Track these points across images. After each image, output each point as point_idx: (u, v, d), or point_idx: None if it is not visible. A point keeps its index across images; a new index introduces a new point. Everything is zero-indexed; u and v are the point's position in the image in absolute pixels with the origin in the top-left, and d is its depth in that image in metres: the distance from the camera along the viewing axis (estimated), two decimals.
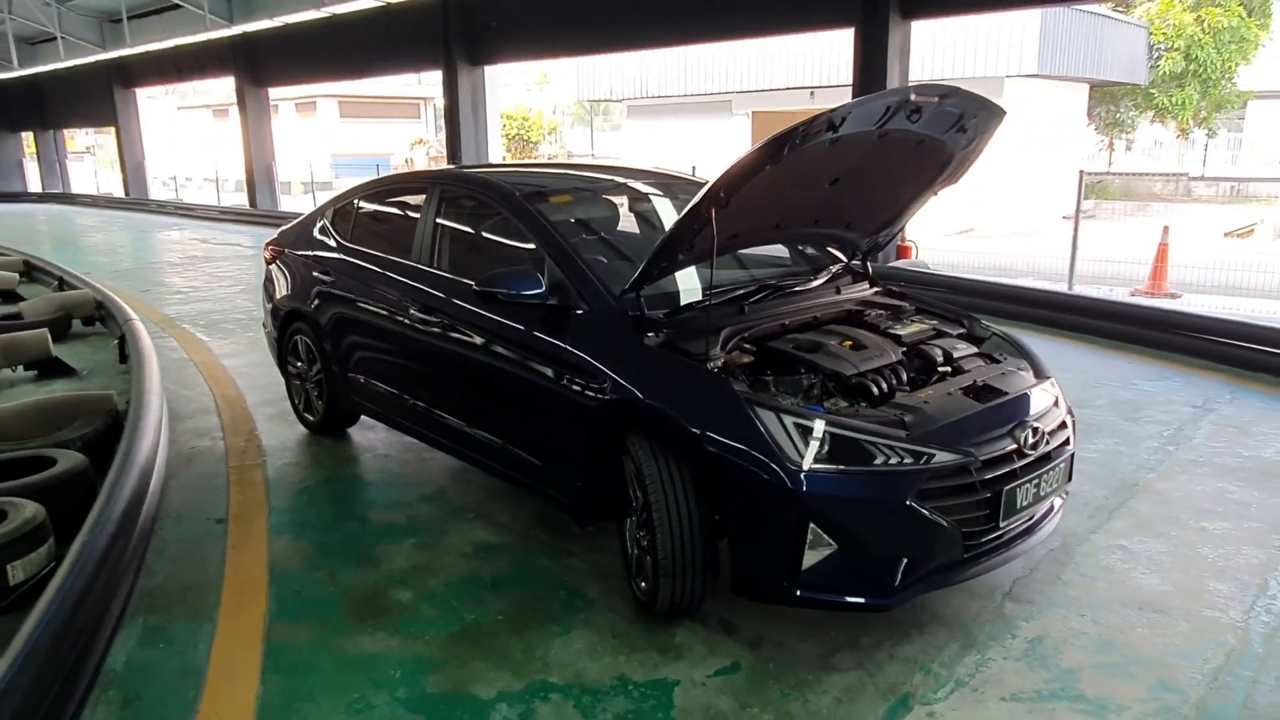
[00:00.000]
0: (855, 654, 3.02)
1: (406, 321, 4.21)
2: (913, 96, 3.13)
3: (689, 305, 3.47)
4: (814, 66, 18.95)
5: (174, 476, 4.61)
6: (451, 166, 4.12)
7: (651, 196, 4.48)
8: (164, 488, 4.32)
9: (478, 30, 14.95)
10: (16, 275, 10.38)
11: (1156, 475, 4.60)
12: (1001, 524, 2.98)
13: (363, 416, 5.12)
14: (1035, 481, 3.09)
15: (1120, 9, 23.40)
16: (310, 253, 5.06)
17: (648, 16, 12.48)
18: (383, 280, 4.43)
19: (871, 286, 4.23)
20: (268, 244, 5.60)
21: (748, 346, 3.33)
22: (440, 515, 4.16)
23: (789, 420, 2.85)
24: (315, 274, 4.94)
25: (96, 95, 26.11)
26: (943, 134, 3.53)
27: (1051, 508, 3.38)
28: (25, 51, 26.74)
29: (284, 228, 5.62)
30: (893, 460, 2.84)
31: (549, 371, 3.48)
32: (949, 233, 18.61)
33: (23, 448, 4.28)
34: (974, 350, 3.65)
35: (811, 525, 2.81)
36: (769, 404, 2.90)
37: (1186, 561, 3.68)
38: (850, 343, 3.39)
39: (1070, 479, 3.35)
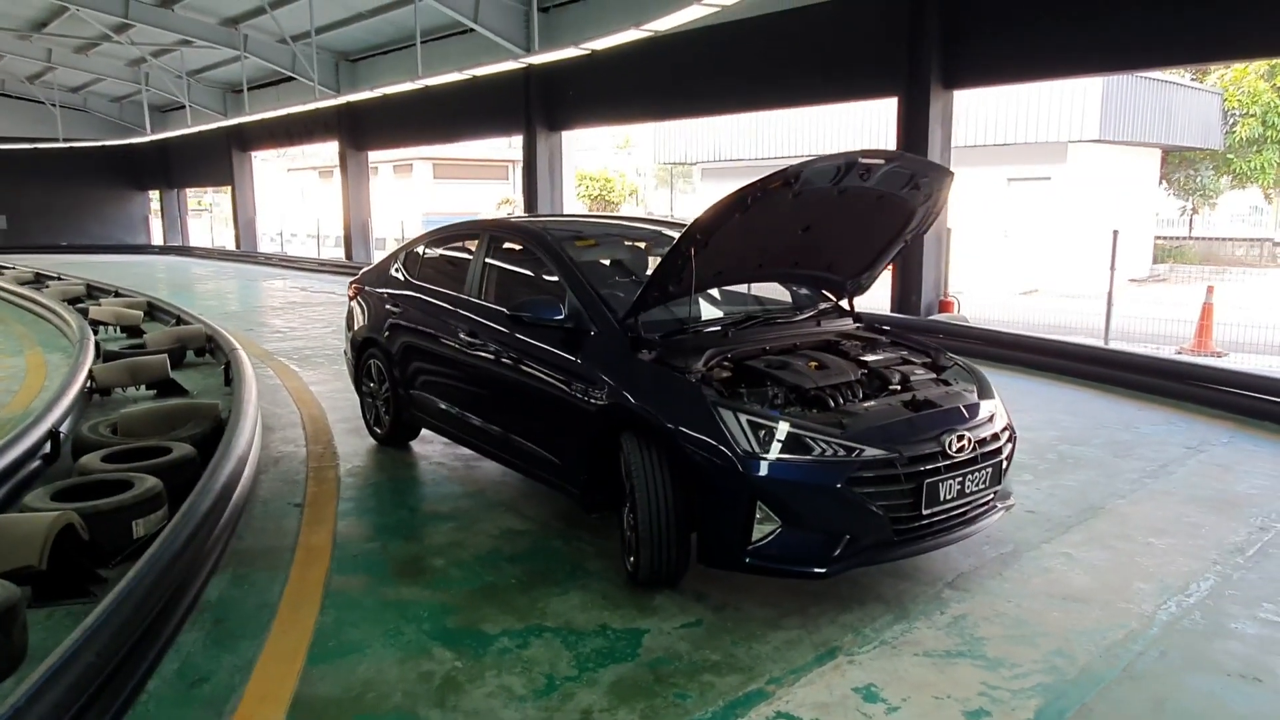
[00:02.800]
0: (801, 618, 3.61)
1: (457, 345, 5.03)
2: (860, 160, 3.82)
3: (679, 329, 4.17)
4: (866, 133, 19.63)
5: (264, 472, 5.48)
6: (503, 217, 4.92)
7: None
8: (255, 480, 5.19)
9: (555, 99, 16.20)
10: (141, 313, 11.75)
11: (1125, 501, 5.03)
12: (925, 512, 3.55)
13: (423, 431, 5.95)
14: (959, 479, 3.66)
15: (1196, 77, 23.45)
16: (384, 289, 5.96)
17: (710, 87, 13.44)
18: (440, 310, 5.28)
19: (855, 322, 4.84)
20: (351, 283, 6.55)
21: (726, 363, 4.00)
22: (477, 508, 4.91)
23: (744, 417, 3.51)
24: (387, 307, 5.83)
25: (216, 158, 28.60)
26: (899, 190, 4.19)
27: (990, 506, 3.92)
28: (156, 119, 29.55)
29: (365, 269, 6.57)
30: (828, 453, 3.47)
31: (565, 382, 4.22)
32: (1013, 292, 18.85)
33: (147, 441, 5.22)
34: (930, 375, 4.24)
35: (759, 504, 3.45)
36: (728, 405, 3.57)
37: (1122, 567, 4.13)
38: (815, 364, 4.03)
39: (1000, 482, 3.89)
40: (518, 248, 5.08)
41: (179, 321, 11.07)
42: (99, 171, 33.47)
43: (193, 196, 46.28)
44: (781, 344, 4.29)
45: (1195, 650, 3.38)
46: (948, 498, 3.63)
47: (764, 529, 3.47)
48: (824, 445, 3.47)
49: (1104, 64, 10.18)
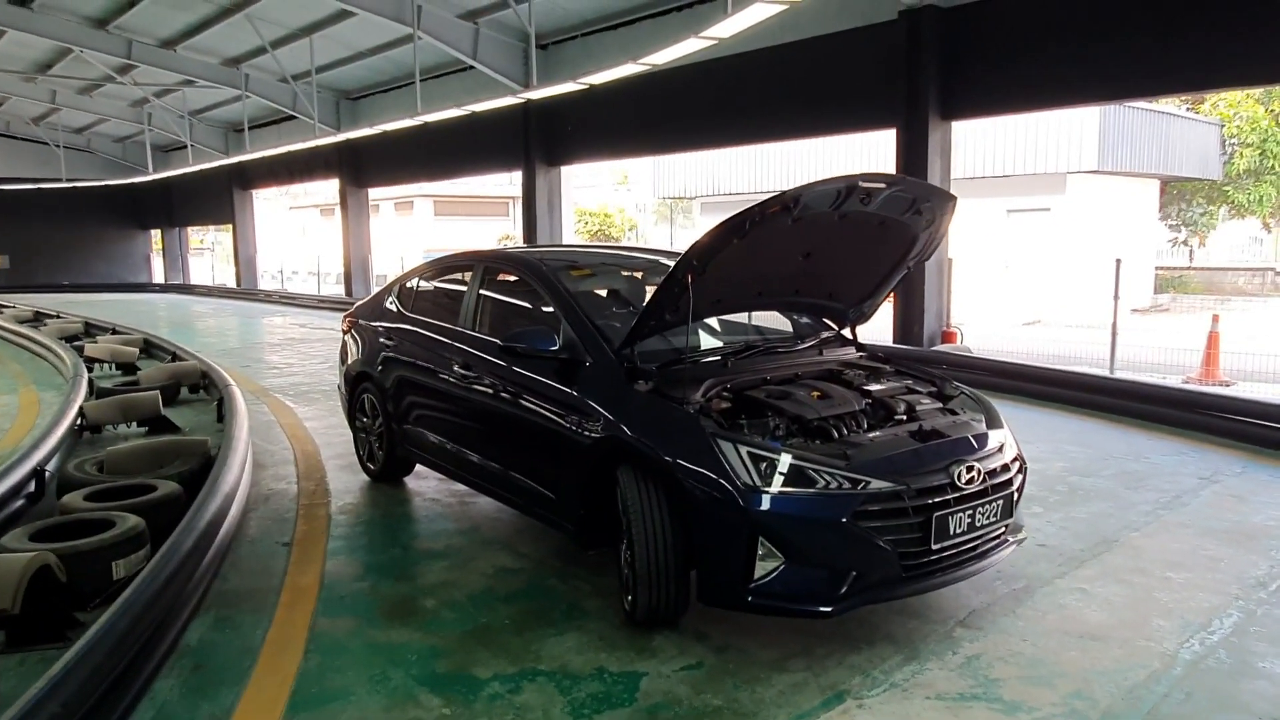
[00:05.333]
0: (807, 660, 3.45)
1: (451, 378, 4.91)
2: (861, 184, 3.73)
3: (676, 359, 4.06)
4: (865, 165, 19.67)
5: (253, 510, 5.34)
6: (498, 248, 4.85)
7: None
8: (243, 517, 5.05)
9: (554, 134, 16.25)
10: (137, 350, 11.67)
11: (1139, 534, 4.88)
12: (934, 547, 3.41)
13: (417, 467, 5.81)
14: (970, 512, 3.52)
15: (1192, 107, 23.57)
16: (378, 323, 5.86)
17: (708, 120, 13.46)
18: (434, 343, 5.17)
19: (858, 351, 4.72)
20: (345, 316, 6.45)
21: (725, 393, 3.88)
22: (471, 545, 4.76)
23: (744, 449, 3.38)
24: (380, 340, 5.72)
25: (218, 196, 28.72)
26: (901, 215, 4.09)
27: (1001, 540, 3.77)
28: (160, 159, 29.78)
29: (359, 303, 6.48)
30: (832, 485, 3.33)
31: (560, 414, 4.09)
32: (1016, 324, 18.76)
33: (132, 479, 5.08)
34: (937, 404, 4.11)
35: (761, 539, 3.31)
36: (728, 437, 3.44)
37: (1139, 603, 3.98)
38: (818, 393, 3.91)
39: (1011, 515, 3.74)
40: (512, 278, 4.99)
41: (174, 358, 10.96)
42: (102, 211, 33.65)
43: (195, 235, 46.56)
44: (783, 374, 4.16)
45: (1222, 692, 3.21)
46: (958, 531, 3.49)
47: (766, 566, 3.32)
48: (828, 478, 3.34)
49: (1101, 93, 10.18)
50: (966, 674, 3.34)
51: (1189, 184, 24.36)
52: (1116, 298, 9.97)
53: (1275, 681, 3.28)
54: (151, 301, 27.06)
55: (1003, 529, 3.75)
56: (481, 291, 5.04)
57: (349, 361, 6.17)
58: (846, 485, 3.34)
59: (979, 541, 3.62)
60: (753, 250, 3.83)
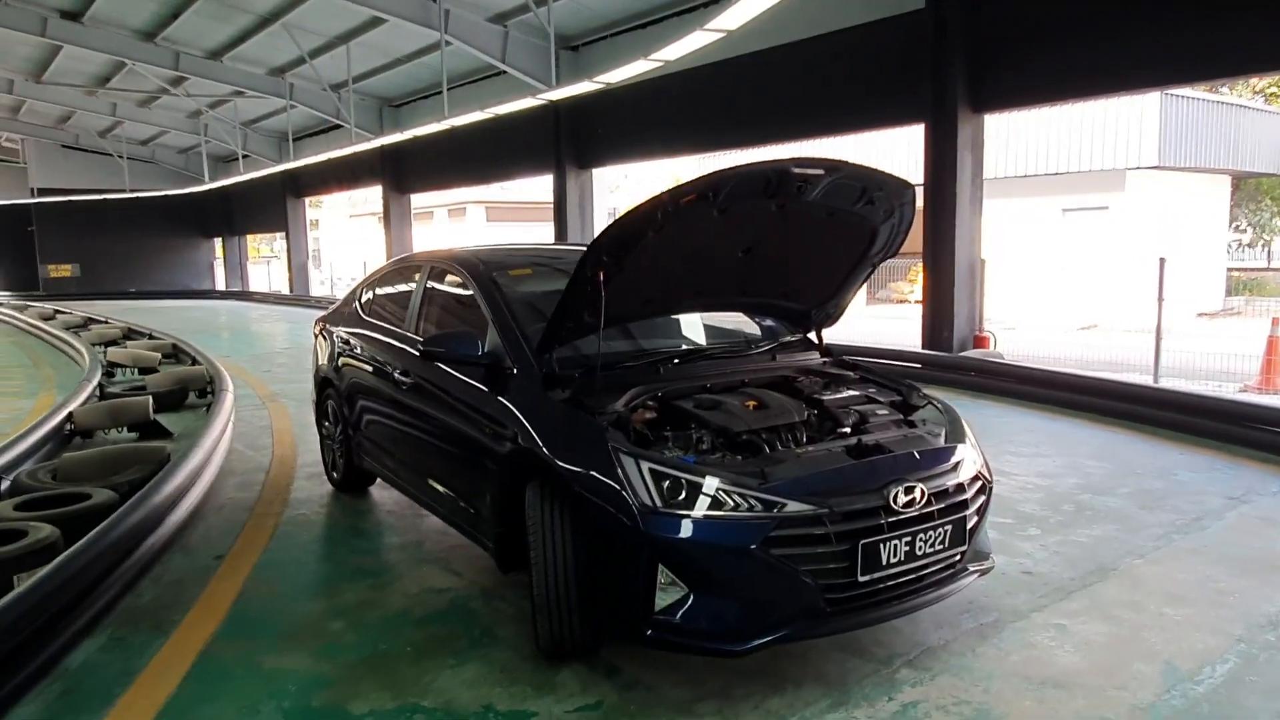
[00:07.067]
0: (721, 702, 3.07)
1: (392, 385, 4.66)
2: (793, 170, 3.34)
3: (606, 365, 3.71)
4: (894, 161, 18.94)
5: (201, 519, 5.17)
6: (449, 247, 4.60)
7: None
8: (184, 527, 4.87)
9: (585, 137, 16.04)
10: (159, 355, 11.80)
11: (1143, 561, 4.36)
12: (861, 578, 3.00)
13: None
14: (908, 538, 3.10)
15: (1266, 99, 22.19)
16: (340, 327, 5.65)
17: (735, 122, 13.09)
18: (384, 347, 4.92)
19: (822, 356, 4.32)
20: (317, 320, 6.27)
21: (651, 403, 3.53)
22: (407, 562, 4.49)
23: (646, 466, 3.03)
24: (339, 344, 5.52)
25: (272, 205, 29.32)
26: (852, 207, 3.69)
27: (956, 570, 3.34)
28: (221, 168, 30.59)
29: (333, 306, 6.29)
30: (742, 507, 2.95)
31: (479, 425, 3.79)
32: (1070, 328, 17.86)
33: (70, 488, 4.95)
34: (894, 416, 3.69)
35: (661, 566, 2.95)
36: (631, 451, 3.09)
37: (1122, 643, 3.49)
38: (754, 403, 3.53)
39: (964, 542, 3.30)
40: (454, 280, 4.71)
41: (193, 363, 11.03)
42: (166, 220, 34.71)
43: (265, 243, 47.79)
44: (727, 381, 3.79)
45: None
46: (892, 561, 3.07)
47: (668, 596, 2.97)
48: (738, 499, 2.96)
49: (1143, 81, 9.47)
50: None
51: (1260, 180, 22.90)
52: (1160, 299, 9.25)
53: None
54: (206, 308, 27.70)
55: (956, 557, 3.31)
56: (426, 294, 4.78)
57: (317, 366, 5.98)
58: (759, 507, 2.96)
59: (923, 572, 3.19)
60: (677, 244, 3.48)
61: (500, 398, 3.71)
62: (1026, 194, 18.81)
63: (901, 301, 23.95)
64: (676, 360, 3.91)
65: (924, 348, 10.54)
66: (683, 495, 2.97)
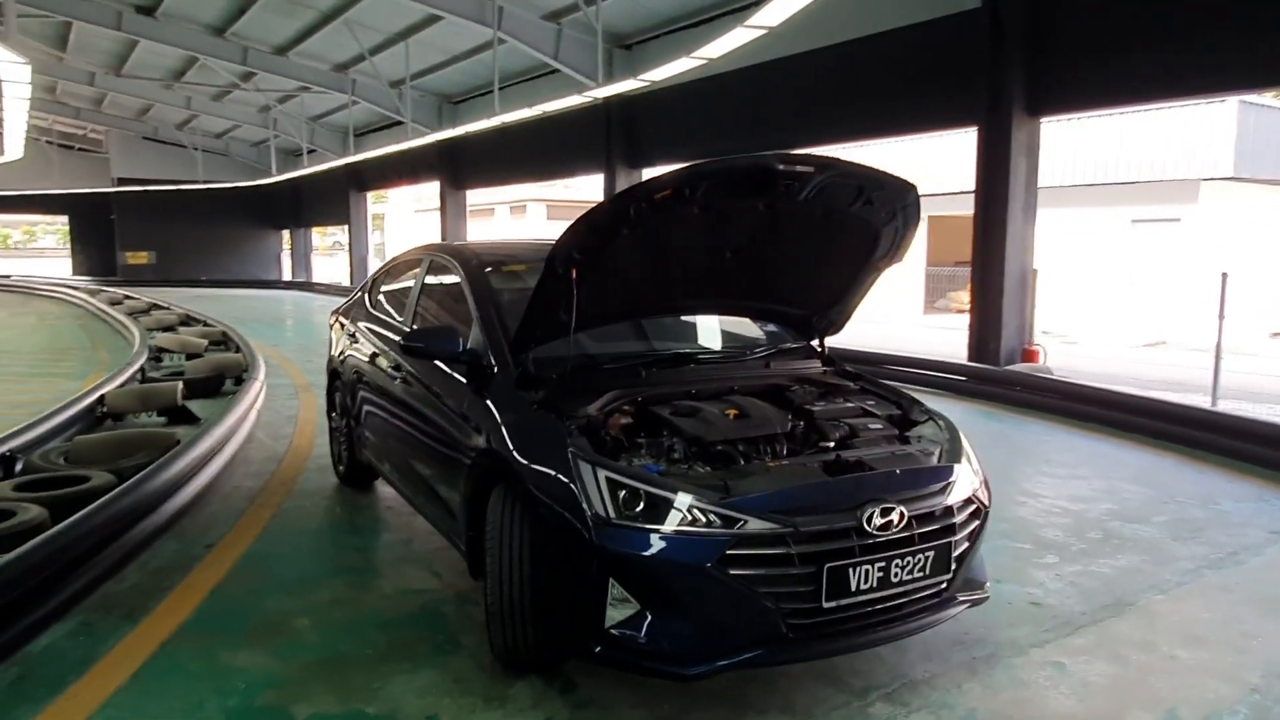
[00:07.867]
0: None
1: (385, 379, 4.60)
2: (779, 166, 3.16)
3: (588, 367, 3.58)
4: (952, 173, 18.36)
5: (202, 507, 5.18)
6: (450, 241, 4.51)
7: None
8: (182, 513, 4.88)
9: (635, 137, 15.95)
10: (206, 342, 12.05)
11: (1164, 597, 4.04)
12: (825, 604, 2.80)
13: None
14: (882, 564, 2.88)
15: None
16: (349, 319, 5.62)
17: (784, 123, 12.84)
18: (378, 339, 4.87)
19: (824, 365, 4.10)
20: (332, 312, 6.26)
21: (627, 408, 3.37)
22: (391, 560, 4.42)
23: (603, 474, 2.88)
24: (346, 337, 5.49)
25: (337, 198, 29.94)
26: (849, 208, 3.48)
27: (943, 599, 3.11)
28: (291, 162, 31.33)
29: (348, 298, 6.27)
30: (700, 522, 2.78)
31: (455, 424, 3.69)
32: (1136, 344, 17.12)
33: (71, 470, 5.01)
34: (889, 430, 3.48)
35: (612, 580, 2.80)
36: (591, 458, 2.94)
37: (1125, 687, 3.22)
38: (734, 411, 3.36)
39: (949, 569, 3.06)
40: (449, 274, 4.62)
41: (236, 350, 11.23)
42: (236, 212, 35.74)
43: (331, 237, 48.92)
44: (715, 387, 3.62)
45: None
46: (863, 587, 2.86)
47: (620, 612, 2.81)
48: (696, 513, 2.79)
49: (1216, 85, 8.92)
50: None
51: None
52: (1221, 315, 8.71)
53: None
54: (270, 297, 28.40)
55: (941, 585, 3.08)
56: (424, 287, 4.70)
57: (329, 358, 5.97)
58: (718, 523, 2.78)
59: (899, 600, 2.97)
60: (657, 244, 3.33)
61: (479, 396, 3.60)
62: (1092, 203, 18.09)
63: (960, 311, 23.25)
64: (662, 364, 3.74)
65: (969, 360, 10.14)
66: (639, 507, 2.81)
